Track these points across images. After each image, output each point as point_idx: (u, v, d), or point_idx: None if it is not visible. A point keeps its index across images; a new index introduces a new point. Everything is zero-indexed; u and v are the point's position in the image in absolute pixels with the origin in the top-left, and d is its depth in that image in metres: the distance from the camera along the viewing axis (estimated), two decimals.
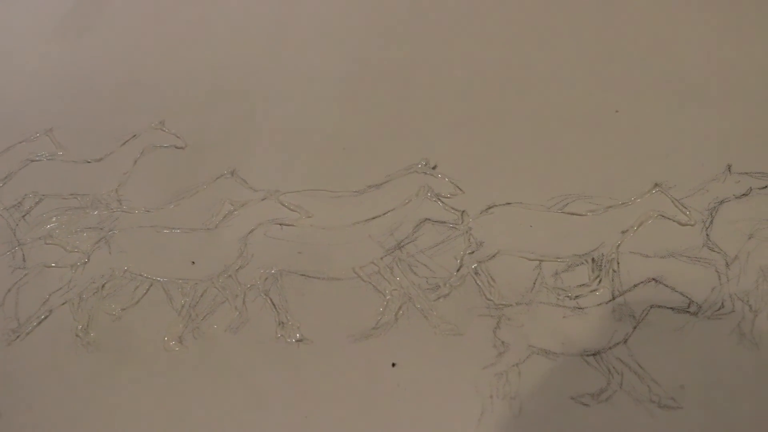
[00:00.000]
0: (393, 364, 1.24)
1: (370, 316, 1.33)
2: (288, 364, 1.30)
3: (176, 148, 1.56)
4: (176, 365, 1.32)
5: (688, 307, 1.26)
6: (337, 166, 1.49)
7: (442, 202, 1.42)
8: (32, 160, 1.52)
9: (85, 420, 1.26)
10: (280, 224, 1.40)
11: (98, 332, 1.36)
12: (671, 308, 1.28)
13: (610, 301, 1.26)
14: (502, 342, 1.22)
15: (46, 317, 1.35)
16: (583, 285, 1.28)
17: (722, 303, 1.25)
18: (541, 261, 1.29)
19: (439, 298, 1.31)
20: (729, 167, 1.33)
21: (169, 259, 1.40)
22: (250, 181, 1.51)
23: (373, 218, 1.40)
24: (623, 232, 1.33)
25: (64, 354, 1.35)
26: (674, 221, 1.33)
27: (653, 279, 1.26)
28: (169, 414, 1.27)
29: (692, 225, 1.34)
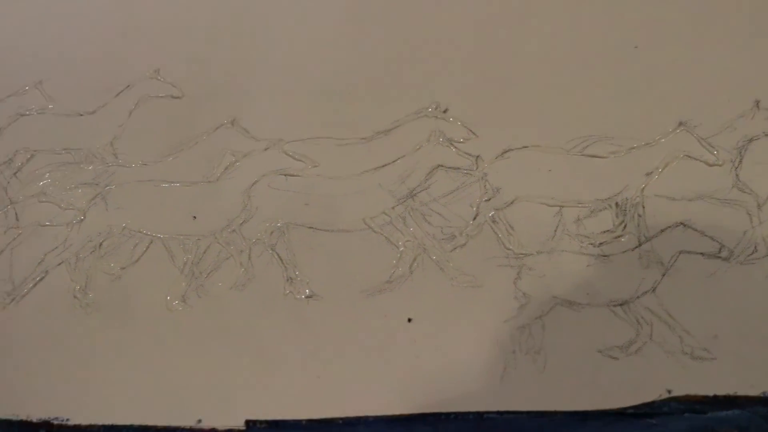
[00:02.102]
0: (409, 320, 1.17)
1: (383, 270, 1.24)
2: (298, 322, 1.21)
3: (173, 98, 1.44)
4: (180, 325, 1.23)
5: (719, 252, 1.16)
6: (342, 112, 1.36)
7: (455, 147, 1.31)
8: (22, 115, 1.43)
9: (85, 383, 1.19)
10: (285, 175, 1.29)
11: (97, 293, 1.27)
12: (701, 254, 1.17)
13: (636, 247, 1.18)
14: (524, 293, 1.11)
15: (42, 278, 1.26)
16: (607, 231, 1.20)
17: (755, 247, 1.16)
18: (561, 207, 1.20)
19: (455, 248, 1.23)
20: (757, 103, 1.24)
21: (169, 214, 1.32)
22: (251, 131, 1.39)
23: (383, 166, 1.30)
24: (647, 175, 1.22)
25: (61, 316, 1.26)
26: (701, 162, 1.22)
27: (681, 223, 1.17)
28: (174, 376, 1.20)
29: (720, 165, 1.22)
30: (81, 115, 1.43)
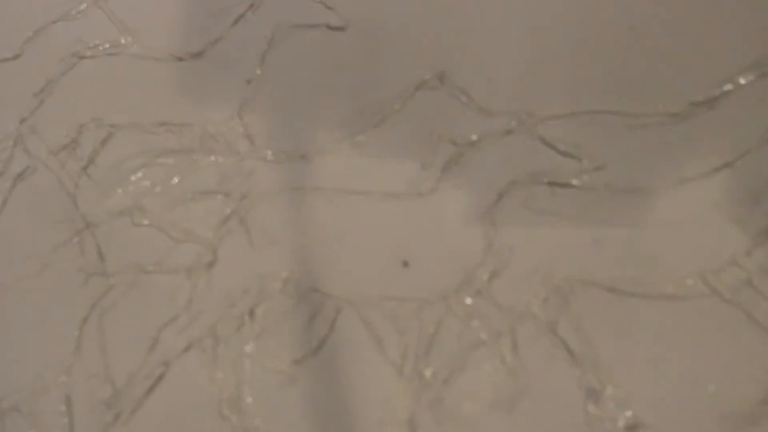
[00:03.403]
0: None
1: (755, 381, 0.61)
2: None
3: (330, 29, 0.77)
4: None
5: None
6: (620, 68, 0.72)
7: None
8: (81, 57, 0.68)
9: None
10: (551, 184, 0.75)
11: (268, 408, 0.65)
12: None
13: None
14: None
15: (162, 376, 0.62)
16: None
17: None
18: None
19: None
20: None
21: (363, 258, 0.68)
22: (473, 93, 0.74)
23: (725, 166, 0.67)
24: None
25: None
26: None
27: None
28: None
29: None
30: (181, 59, 0.73)
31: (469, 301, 0.66)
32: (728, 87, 0.66)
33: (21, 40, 0.76)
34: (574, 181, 0.68)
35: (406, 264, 0.68)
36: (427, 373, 0.64)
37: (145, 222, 0.70)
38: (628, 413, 0.62)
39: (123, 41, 0.76)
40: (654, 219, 0.66)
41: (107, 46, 0.76)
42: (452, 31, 0.72)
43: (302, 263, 0.69)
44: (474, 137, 0.70)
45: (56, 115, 0.75)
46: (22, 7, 0.77)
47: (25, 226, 0.72)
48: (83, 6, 0.77)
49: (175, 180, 0.72)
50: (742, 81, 0.65)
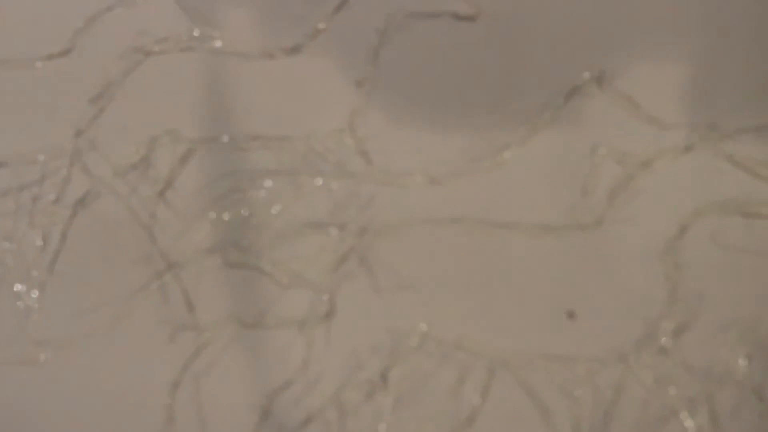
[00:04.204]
0: None
1: None
2: None
3: (458, 18, 0.60)
4: None
5: None
6: None
7: None
8: (147, 52, 0.57)
9: None
10: (745, 215, 0.55)
11: None
12: None
13: None
14: None
15: None
16: None
17: None
18: None
19: None
20: None
21: (519, 307, 0.46)
22: (643, 102, 0.52)
23: None
24: None
25: None
26: None
27: None
28: None
29: None
30: (272, 56, 0.65)
31: (651, 362, 0.50)
32: None
33: (70, 32, 0.57)
34: None
35: (571, 315, 0.53)
36: None
37: (243, 262, 0.54)
38: None
39: (196, 33, 0.58)
40: None
41: (181, 38, 0.57)
42: (613, 22, 0.56)
43: (443, 313, 0.53)
44: (645, 156, 0.54)
45: (120, 127, 0.57)
46: None
47: (91, 265, 0.56)
48: None
49: (276, 209, 0.55)
50: None
